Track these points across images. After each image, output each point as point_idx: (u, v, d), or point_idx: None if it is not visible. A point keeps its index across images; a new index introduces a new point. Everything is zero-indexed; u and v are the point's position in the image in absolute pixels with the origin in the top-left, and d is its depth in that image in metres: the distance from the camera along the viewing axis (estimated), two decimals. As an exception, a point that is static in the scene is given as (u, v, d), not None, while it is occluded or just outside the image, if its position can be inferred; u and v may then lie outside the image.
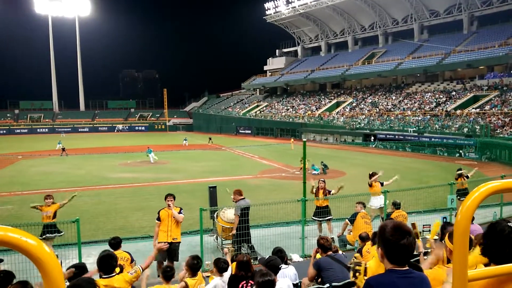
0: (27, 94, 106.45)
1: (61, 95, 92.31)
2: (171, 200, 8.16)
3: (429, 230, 9.63)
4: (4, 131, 75.92)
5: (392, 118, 47.16)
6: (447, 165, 28.28)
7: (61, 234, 9.52)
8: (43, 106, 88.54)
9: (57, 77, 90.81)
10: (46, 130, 78.63)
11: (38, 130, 78.42)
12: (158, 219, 8.11)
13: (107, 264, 4.23)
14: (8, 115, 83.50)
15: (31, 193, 19.16)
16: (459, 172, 13.30)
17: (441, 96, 47.54)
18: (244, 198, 9.13)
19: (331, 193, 11.15)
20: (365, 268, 3.92)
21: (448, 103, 45.01)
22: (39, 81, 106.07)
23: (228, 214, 9.62)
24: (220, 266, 5.18)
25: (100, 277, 4.33)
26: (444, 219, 8.90)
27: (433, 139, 37.64)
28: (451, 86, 49.81)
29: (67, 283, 4.90)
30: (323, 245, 5.40)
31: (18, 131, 77.55)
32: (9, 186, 20.80)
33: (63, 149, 36.90)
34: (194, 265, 4.91)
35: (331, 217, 11.07)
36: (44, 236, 9.38)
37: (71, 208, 12.19)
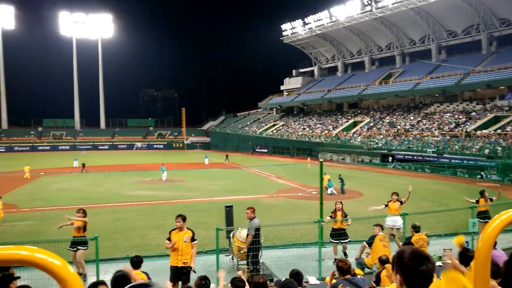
0: (50, 113, 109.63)
1: (83, 114, 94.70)
2: (180, 222, 7.82)
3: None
4: (28, 148, 77.94)
5: (410, 138, 46.55)
6: (468, 187, 27.58)
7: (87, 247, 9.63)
8: (65, 124, 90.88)
9: (80, 96, 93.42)
10: (68, 147, 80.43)
11: (60, 147, 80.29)
12: (169, 239, 7.87)
13: (121, 285, 4.24)
14: (32, 132, 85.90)
15: (51, 209, 19.51)
16: (481, 194, 13.00)
17: (461, 117, 46.79)
18: (255, 217, 9.03)
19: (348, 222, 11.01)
20: None
21: (468, 123, 44.21)
22: (62, 100, 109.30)
23: (244, 234, 9.56)
24: (236, 285, 5.15)
25: None
26: (466, 244, 8.63)
27: (453, 160, 36.87)
28: (470, 106, 49.02)
29: None
30: (342, 268, 5.31)
31: (41, 148, 79.50)
32: (30, 202, 21.25)
33: (83, 166, 37.59)
34: (202, 286, 4.89)
35: (349, 239, 10.90)
36: (75, 249, 9.53)
37: (90, 225, 12.33)
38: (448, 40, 59.66)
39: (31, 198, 22.62)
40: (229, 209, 11.89)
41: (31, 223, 16.29)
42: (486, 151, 35.81)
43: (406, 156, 41.89)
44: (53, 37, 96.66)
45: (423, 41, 62.94)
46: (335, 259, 10.68)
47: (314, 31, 73.00)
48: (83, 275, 9.20)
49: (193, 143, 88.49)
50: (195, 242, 7.97)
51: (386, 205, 11.95)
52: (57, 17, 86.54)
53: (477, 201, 12.80)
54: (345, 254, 10.68)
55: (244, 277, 5.92)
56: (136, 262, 6.25)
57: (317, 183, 12.84)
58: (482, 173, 33.50)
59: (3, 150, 75.08)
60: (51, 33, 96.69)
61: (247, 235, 8.90)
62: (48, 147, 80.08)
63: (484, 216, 12.37)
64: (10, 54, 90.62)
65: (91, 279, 8.49)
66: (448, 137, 42.74)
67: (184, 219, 7.91)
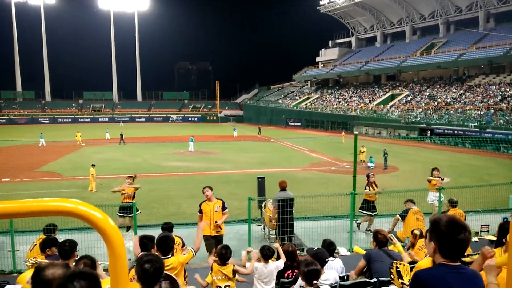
0: (90, 86, 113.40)
1: (121, 87, 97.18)
2: (208, 191, 7.88)
3: (487, 231, 9.11)
4: (70, 120, 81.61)
5: (451, 112, 44.61)
6: (511, 163, 26.37)
7: (138, 212, 10.19)
8: (104, 97, 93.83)
9: (117, 70, 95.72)
10: (107, 119, 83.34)
11: (100, 119, 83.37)
12: (200, 211, 7.97)
13: (165, 245, 4.47)
14: (73, 104, 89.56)
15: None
16: None
17: (508, 89, 44.13)
18: (284, 190, 9.22)
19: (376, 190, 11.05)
20: (398, 271, 3.92)
21: (516, 96, 41.71)
22: (101, 73, 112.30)
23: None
24: (264, 253, 5.28)
25: None
26: (505, 219, 8.34)
27: (496, 135, 35.15)
28: (519, 78, 46.05)
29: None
30: (381, 240, 5.31)
31: (82, 119, 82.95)
32: (73, 171, 22.42)
33: (121, 137, 38.85)
34: (222, 255, 5.04)
35: (376, 212, 10.93)
36: (121, 215, 10.53)
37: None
38: (498, 7, 55.58)
39: (74, 167, 23.82)
40: (261, 180, 12.06)
41: (74, 191, 17.25)
42: (534, 126, 33.85)
43: (446, 131, 40.35)
44: (92, 10, 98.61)
45: (470, 8, 59.00)
46: (366, 229, 10.75)
47: (352, 0, 70.12)
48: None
49: (226, 116, 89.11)
50: (226, 210, 8.08)
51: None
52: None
53: None
54: (358, 225, 10.97)
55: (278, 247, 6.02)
56: (166, 229, 6.53)
57: (351, 157, 12.68)
58: (528, 149, 31.83)
59: (47, 121, 78.98)
60: (90, 7, 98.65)
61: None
62: (88, 119, 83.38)
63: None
64: (51, 28, 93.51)
65: (130, 243, 8.97)
66: (492, 110, 40.63)
67: (211, 188, 8.00)
